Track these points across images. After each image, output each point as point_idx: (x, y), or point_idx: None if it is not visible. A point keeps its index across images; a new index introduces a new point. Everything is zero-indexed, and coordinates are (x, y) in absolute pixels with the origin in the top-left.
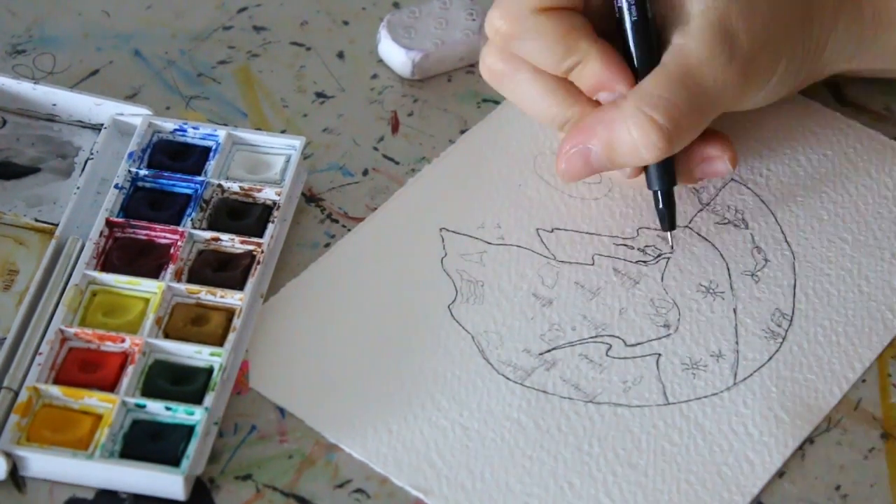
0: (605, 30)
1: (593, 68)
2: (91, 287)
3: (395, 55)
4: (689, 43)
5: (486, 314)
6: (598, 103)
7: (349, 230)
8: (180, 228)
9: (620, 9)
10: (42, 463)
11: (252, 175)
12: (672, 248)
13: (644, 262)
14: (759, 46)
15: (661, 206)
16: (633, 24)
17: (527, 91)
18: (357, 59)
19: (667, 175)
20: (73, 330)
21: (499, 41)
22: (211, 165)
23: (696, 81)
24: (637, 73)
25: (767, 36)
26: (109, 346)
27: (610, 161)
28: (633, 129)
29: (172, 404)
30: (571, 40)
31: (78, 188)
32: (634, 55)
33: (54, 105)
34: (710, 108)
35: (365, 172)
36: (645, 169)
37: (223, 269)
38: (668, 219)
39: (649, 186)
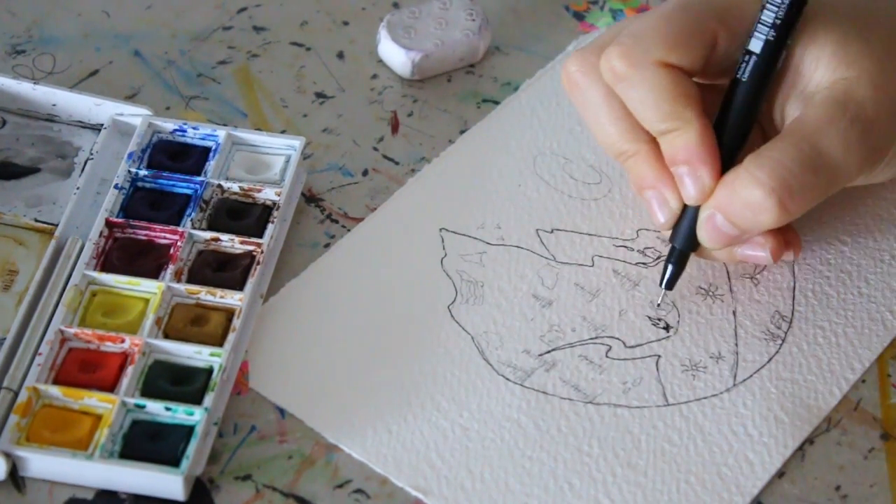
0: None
1: (688, 141)
2: (91, 287)
3: (395, 55)
4: (808, 113)
5: (486, 315)
6: (656, 145)
7: (349, 230)
8: (180, 229)
9: (745, 63)
10: (42, 463)
11: (252, 175)
12: (659, 304)
13: (644, 263)
14: (885, 116)
15: (671, 262)
16: (746, 97)
17: (596, 110)
18: (357, 60)
19: (691, 237)
20: (72, 330)
21: (610, 78)
22: (211, 166)
23: (813, 144)
24: (723, 143)
25: (893, 104)
26: (109, 347)
27: (733, 227)
28: (740, 191)
29: (172, 404)
30: (681, 105)
31: (78, 188)
32: (731, 121)
33: (54, 105)
34: (831, 173)
35: (365, 172)
36: (676, 223)
37: (223, 270)
38: (671, 277)
39: (670, 240)
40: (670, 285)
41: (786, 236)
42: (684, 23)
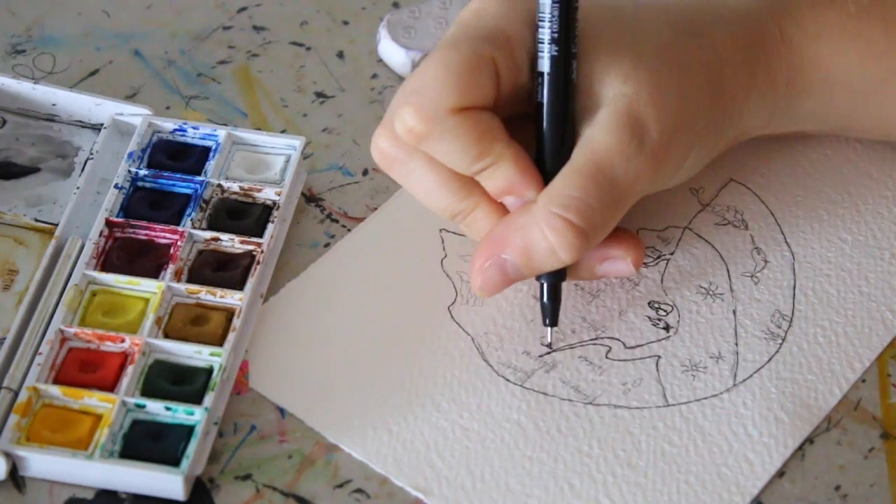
0: (510, 128)
1: (506, 172)
2: (91, 287)
3: (395, 55)
4: (597, 135)
5: (486, 316)
6: (487, 193)
7: (349, 230)
8: (180, 228)
9: (541, 85)
10: (42, 463)
11: (252, 175)
12: (550, 344)
13: (644, 263)
14: (669, 133)
15: (545, 299)
16: (553, 116)
17: (420, 180)
18: (357, 59)
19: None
20: (72, 330)
21: (411, 140)
22: (211, 165)
23: (607, 175)
24: (546, 168)
25: (678, 122)
26: (109, 346)
27: (528, 268)
28: (548, 233)
29: (172, 404)
30: (486, 143)
31: (78, 188)
32: (547, 146)
33: (54, 105)
34: (624, 201)
35: (365, 172)
36: None
37: (223, 269)
38: (551, 314)
39: (536, 278)
40: (554, 321)
41: (641, 247)
42: (461, 62)
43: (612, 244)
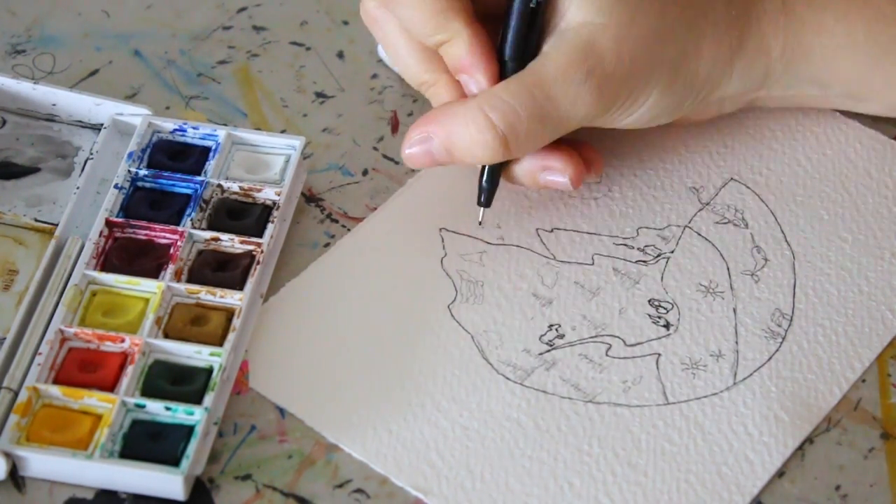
0: (494, 14)
1: (459, 50)
2: (91, 287)
3: None
4: (551, 52)
5: (486, 314)
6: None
7: (349, 230)
8: (180, 228)
9: None
10: (42, 463)
11: (252, 175)
12: (481, 223)
13: (644, 261)
14: (624, 73)
15: (483, 181)
16: (519, 11)
17: (395, 43)
18: (357, 59)
19: None
20: (72, 330)
21: (382, 2)
22: (211, 165)
23: (544, 92)
24: (506, 67)
25: (639, 65)
26: (109, 346)
27: (448, 155)
28: (471, 127)
29: (172, 404)
30: (444, 18)
31: (78, 188)
32: (508, 47)
33: (54, 105)
34: (556, 122)
35: (365, 172)
36: None
37: (223, 269)
38: (486, 194)
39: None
40: (487, 202)
41: (585, 155)
42: None
43: (552, 155)
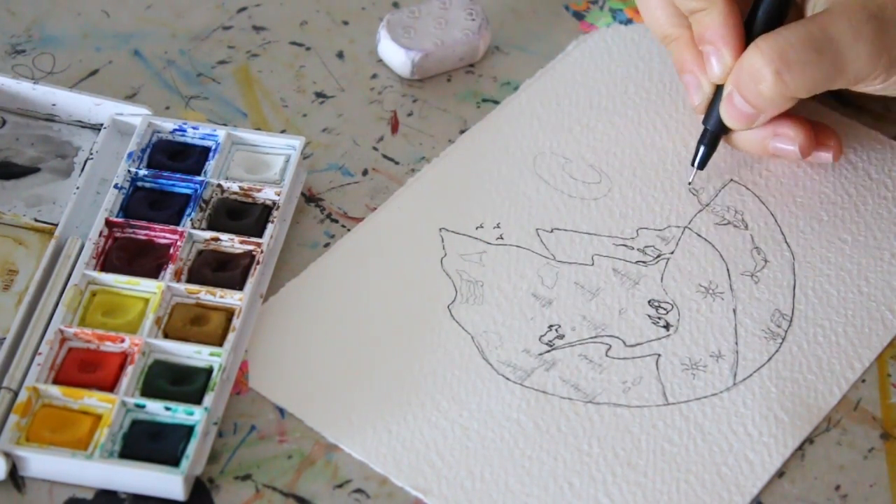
0: None
1: (712, 21)
2: (91, 287)
3: (395, 55)
4: (830, 5)
5: (486, 314)
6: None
7: (349, 230)
8: (180, 228)
9: None
10: (41, 463)
11: (251, 175)
12: (690, 182)
13: (644, 262)
14: None
15: (703, 143)
16: None
17: None
18: (357, 59)
19: (719, 118)
20: (72, 330)
21: None
22: (210, 165)
23: (823, 29)
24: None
25: None
26: (109, 346)
27: (745, 102)
28: (750, 62)
29: (172, 404)
30: None
31: (77, 188)
32: (759, 23)
33: (54, 105)
34: (833, 58)
35: (365, 172)
36: (709, 105)
37: (223, 269)
38: (702, 157)
39: (703, 122)
40: (702, 165)
41: (823, 137)
42: None
43: (784, 122)
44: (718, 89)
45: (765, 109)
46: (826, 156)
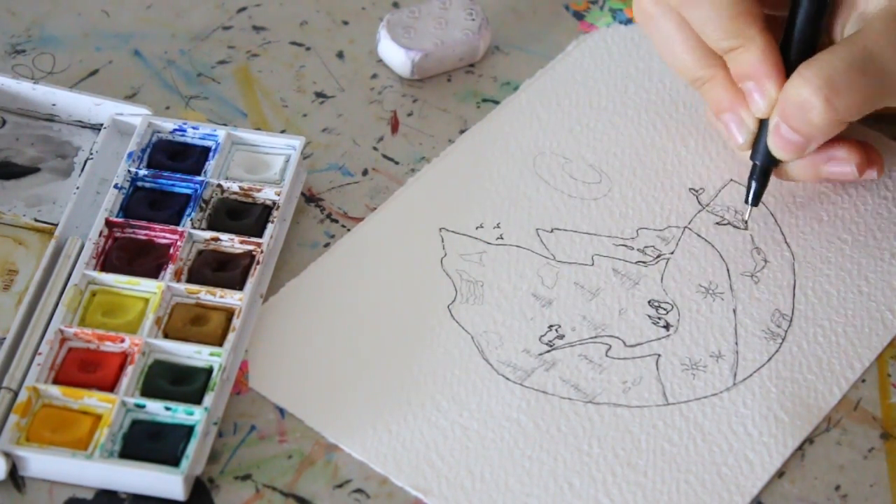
0: (769, 16)
1: (752, 58)
2: (91, 287)
3: (395, 55)
4: (861, 28)
5: (486, 314)
6: (729, 70)
7: (349, 230)
8: (180, 228)
9: None
10: (41, 463)
11: (251, 175)
12: (746, 223)
13: (644, 262)
14: None
15: (754, 179)
16: (807, 12)
17: (670, 38)
18: (357, 59)
19: (769, 151)
20: (72, 330)
21: (675, 2)
22: (210, 165)
23: (865, 49)
24: (790, 67)
25: None
26: (109, 346)
27: (793, 132)
28: (797, 92)
29: (172, 404)
30: (742, 23)
31: (77, 188)
32: (794, 49)
33: (54, 105)
34: (879, 74)
35: (365, 172)
36: (755, 141)
37: (223, 269)
38: (754, 193)
39: (752, 158)
40: (756, 201)
41: (868, 154)
42: None
43: (835, 145)
44: (763, 123)
45: (815, 137)
46: (873, 173)
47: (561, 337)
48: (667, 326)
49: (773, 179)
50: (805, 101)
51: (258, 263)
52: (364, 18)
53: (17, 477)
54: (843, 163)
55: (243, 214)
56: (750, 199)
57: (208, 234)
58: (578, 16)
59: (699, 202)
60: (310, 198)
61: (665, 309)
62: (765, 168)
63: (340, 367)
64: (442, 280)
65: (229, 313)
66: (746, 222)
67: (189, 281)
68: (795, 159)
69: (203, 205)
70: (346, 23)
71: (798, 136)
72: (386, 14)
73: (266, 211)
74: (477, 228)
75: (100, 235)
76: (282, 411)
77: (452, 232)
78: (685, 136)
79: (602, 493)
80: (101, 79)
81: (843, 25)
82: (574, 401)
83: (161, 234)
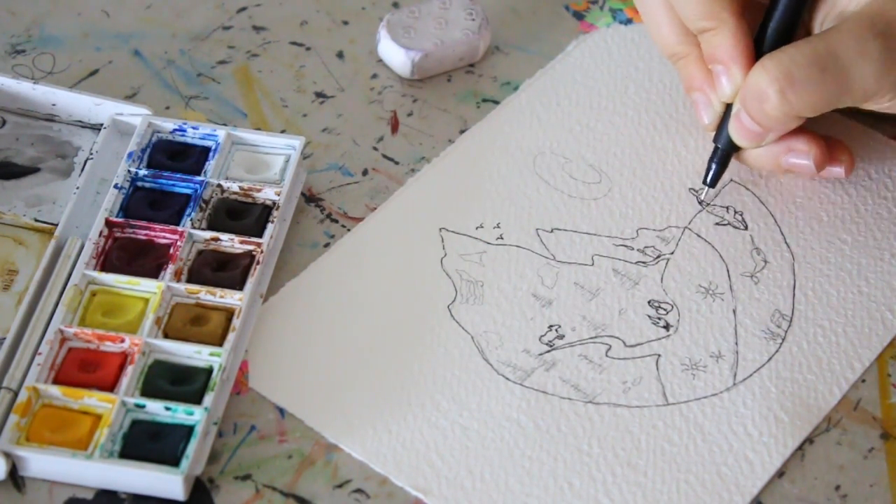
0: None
1: (722, 41)
2: (91, 287)
3: (395, 55)
4: (831, 28)
5: (486, 314)
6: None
7: (349, 230)
8: (180, 228)
9: None
10: (41, 463)
11: (251, 175)
12: (701, 201)
13: (643, 262)
14: None
15: (714, 161)
16: (786, 4)
17: (655, 12)
18: (357, 59)
19: (729, 136)
20: (72, 330)
21: None
22: (210, 165)
23: (828, 47)
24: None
25: None
26: (109, 346)
27: (751, 120)
28: (755, 80)
29: (172, 404)
30: (717, 6)
31: (77, 188)
32: (768, 41)
33: (54, 105)
34: (838, 75)
35: (364, 172)
36: (720, 123)
37: (223, 269)
38: (713, 175)
39: (714, 140)
40: (713, 183)
41: (835, 152)
42: None
43: (796, 137)
44: (728, 107)
45: (772, 128)
46: (838, 171)
47: (561, 337)
48: (667, 327)
49: (772, 179)
50: (762, 92)
51: (258, 263)
52: (364, 18)
53: (17, 477)
54: (802, 155)
55: (243, 214)
56: (708, 180)
57: (208, 234)
58: (578, 16)
59: (699, 201)
60: (310, 198)
61: (665, 309)
62: (725, 151)
63: (340, 368)
64: (442, 280)
65: (229, 313)
66: (702, 202)
67: (189, 281)
68: (754, 147)
69: (203, 205)
70: (346, 23)
71: (756, 126)
72: (386, 14)
73: (266, 211)
74: (477, 228)
75: (100, 235)
76: (282, 411)
77: (452, 232)
78: (685, 136)
79: (602, 493)
80: (101, 79)
81: (822, 21)
82: (574, 401)
83: (161, 234)
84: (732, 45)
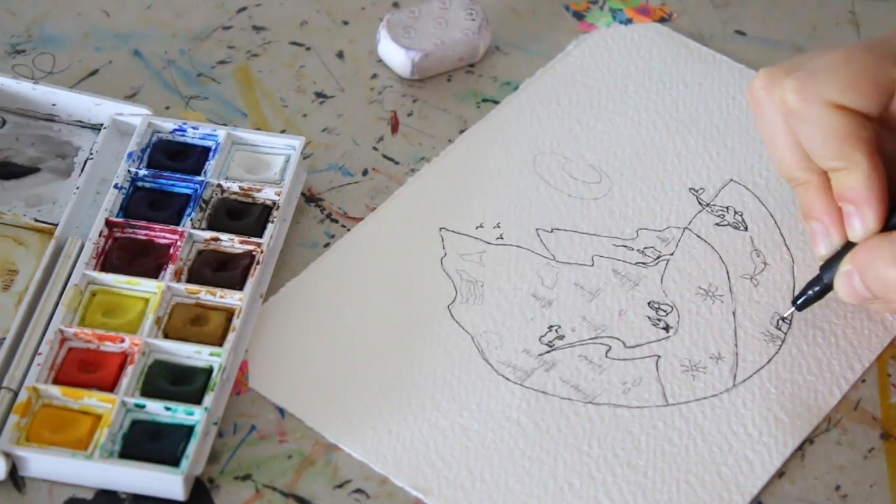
0: (890, 149)
1: (854, 181)
2: (91, 287)
3: (395, 55)
4: None
5: (486, 314)
6: (827, 178)
7: (349, 230)
8: (180, 228)
9: None
10: (41, 463)
11: (251, 175)
12: (785, 318)
13: (643, 263)
14: None
15: (813, 289)
16: None
17: (774, 133)
18: (357, 59)
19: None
20: (72, 330)
21: (782, 109)
22: (210, 165)
23: None
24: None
25: None
26: (109, 346)
27: (867, 290)
28: (886, 272)
29: (172, 404)
30: (848, 146)
31: (77, 188)
32: None
33: (54, 105)
34: None
35: (364, 172)
36: (830, 260)
37: (223, 269)
38: (804, 301)
39: (821, 269)
40: (802, 307)
41: None
42: (863, 66)
43: None
44: (847, 245)
45: (883, 299)
46: None
47: (561, 337)
48: (667, 328)
49: (773, 179)
50: (893, 284)
51: (258, 263)
52: (364, 18)
53: (17, 477)
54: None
55: (243, 214)
56: (798, 303)
57: (208, 234)
58: (578, 16)
59: (699, 202)
60: (310, 198)
61: (665, 310)
62: (827, 286)
63: (340, 368)
64: (442, 280)
65: (229, 313)
66: (784, 318)
67: (189, 281)
68: (855, 304)
69: (203, 205)
70: (346, 23)
71: (867, 293)
72: (386, 14)
73: (266, 211)
74: (477, 228)
75: (100, 235)
76: (282, 411)
77: (452, 232)
78: (685, 136)
79: (602, 493)
80: (101, 79)
81: None
82: (574, 401)
83: (161, 234)
84: (866, 187)
